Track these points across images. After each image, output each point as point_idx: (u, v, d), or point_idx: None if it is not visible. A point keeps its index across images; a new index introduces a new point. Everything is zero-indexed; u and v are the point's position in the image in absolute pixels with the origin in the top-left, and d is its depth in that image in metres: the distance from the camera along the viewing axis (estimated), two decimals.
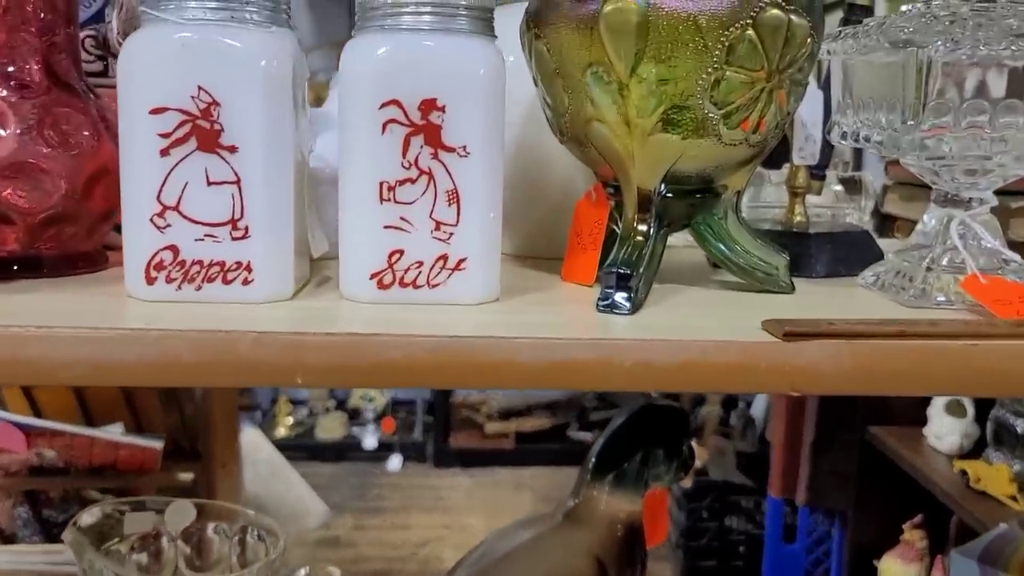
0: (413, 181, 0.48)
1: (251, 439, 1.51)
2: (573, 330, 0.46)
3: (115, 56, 0.66)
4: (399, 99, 0.48)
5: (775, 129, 0.51)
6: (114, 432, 1.17)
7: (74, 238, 0.55)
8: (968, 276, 0.51)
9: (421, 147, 0.48)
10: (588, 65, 0.49)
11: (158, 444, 1.18)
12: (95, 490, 1.20)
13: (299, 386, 0.49)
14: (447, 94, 0.48)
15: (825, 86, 0.65)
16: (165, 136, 0.47)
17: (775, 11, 0.47)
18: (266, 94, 0.47)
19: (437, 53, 0.48)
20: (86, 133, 0.53)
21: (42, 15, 0.54)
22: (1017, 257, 0.53)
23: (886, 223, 0.91)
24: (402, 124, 0.48)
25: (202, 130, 0.47)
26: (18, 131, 0.51)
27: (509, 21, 0.55)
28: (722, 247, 0.55)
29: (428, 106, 0.48)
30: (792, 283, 0.56)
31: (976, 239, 0.53)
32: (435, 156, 0.48)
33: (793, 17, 0.48)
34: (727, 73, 0.47)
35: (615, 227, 0.56)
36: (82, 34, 0.65)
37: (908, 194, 1.13)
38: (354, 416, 3.12)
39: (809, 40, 0.49)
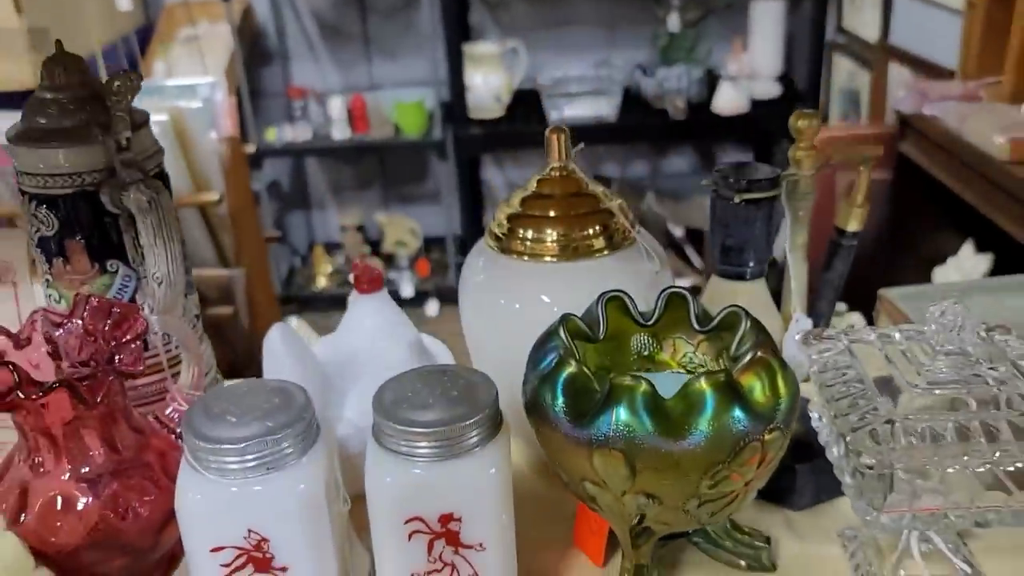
0: (439, 571, 0.57)
1: None
2: None
3: (155, 333, 0.71)
4: (421, 516, 0.55)
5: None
6: None
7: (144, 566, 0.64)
8: None
9: (444, 547, 0.56)
10: (583, 477, 0.54)
11: None
12: None
13: None
14: (462, 508, 0.55)
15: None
16: (226, 566, 0.55)
17: (753, 444, 0.52)
18: (304, 522, 0.54)
19: (450, 479, 0.54)
20: (150, 498, 0.61)
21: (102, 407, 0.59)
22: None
23: None
24: (425, 533, 0.55)
25: (256, 559, 0.55)
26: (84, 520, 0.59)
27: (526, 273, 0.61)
28: (711, 548, 0.63)
29: (446, 518, 0.55)
30: (773, 563, 0.64)
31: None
32: (456, 552, 0.56)
33: (767, 437, 0.52)
34: (710, 492, 0.53)
35: None
36: None
37: None
38: (389, 262, 3.25)
39: (786, 437, 0.54)
